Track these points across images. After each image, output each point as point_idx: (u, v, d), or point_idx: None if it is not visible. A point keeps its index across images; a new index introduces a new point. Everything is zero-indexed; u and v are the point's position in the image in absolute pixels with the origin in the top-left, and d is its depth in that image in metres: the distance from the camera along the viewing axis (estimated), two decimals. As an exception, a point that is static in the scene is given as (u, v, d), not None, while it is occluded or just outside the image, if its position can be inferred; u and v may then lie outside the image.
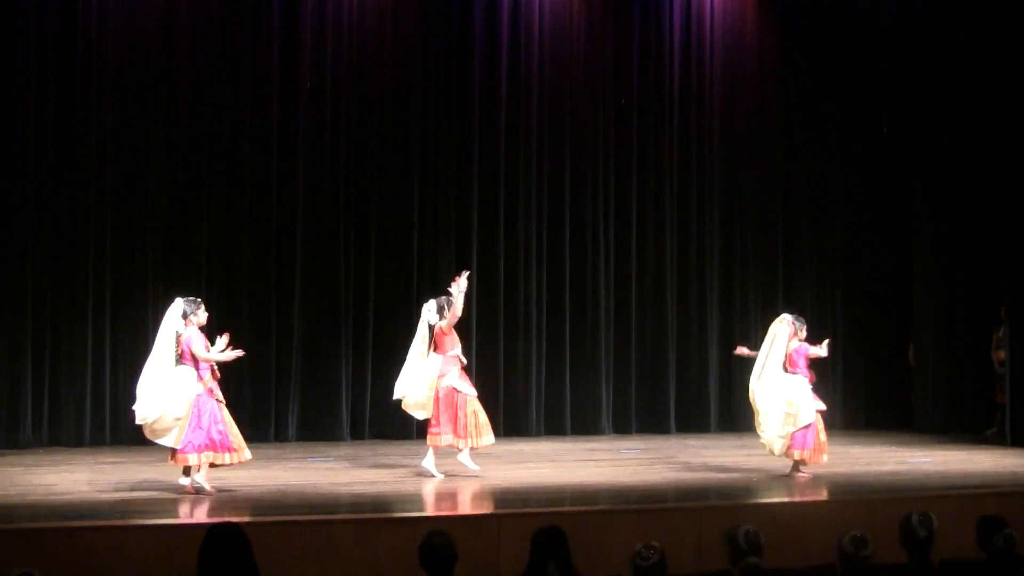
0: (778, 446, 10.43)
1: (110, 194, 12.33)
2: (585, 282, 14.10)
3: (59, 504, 8.55)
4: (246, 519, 7.88)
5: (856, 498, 9.48)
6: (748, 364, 14.49)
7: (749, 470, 10.83)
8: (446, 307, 10.22)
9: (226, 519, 7.08)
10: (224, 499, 8.78)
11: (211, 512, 8.25)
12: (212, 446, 8.90)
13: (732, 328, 14.63)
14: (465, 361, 10.38)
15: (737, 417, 14.47)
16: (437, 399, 10.13)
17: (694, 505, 8.93)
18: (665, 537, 7.70)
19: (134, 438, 12.06)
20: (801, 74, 14.99)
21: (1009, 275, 13.38)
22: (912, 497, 8.84)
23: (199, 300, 9.24)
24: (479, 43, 13.67)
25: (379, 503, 8.95)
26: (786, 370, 10.44)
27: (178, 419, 8.90)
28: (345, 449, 12.30)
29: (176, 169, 12.62)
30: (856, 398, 14.87)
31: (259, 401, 12.78)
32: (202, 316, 9.12)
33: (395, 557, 7.19)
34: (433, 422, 10.16)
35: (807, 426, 10.33)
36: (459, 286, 10.18)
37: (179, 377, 8.96)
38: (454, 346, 10.23)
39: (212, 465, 8.98)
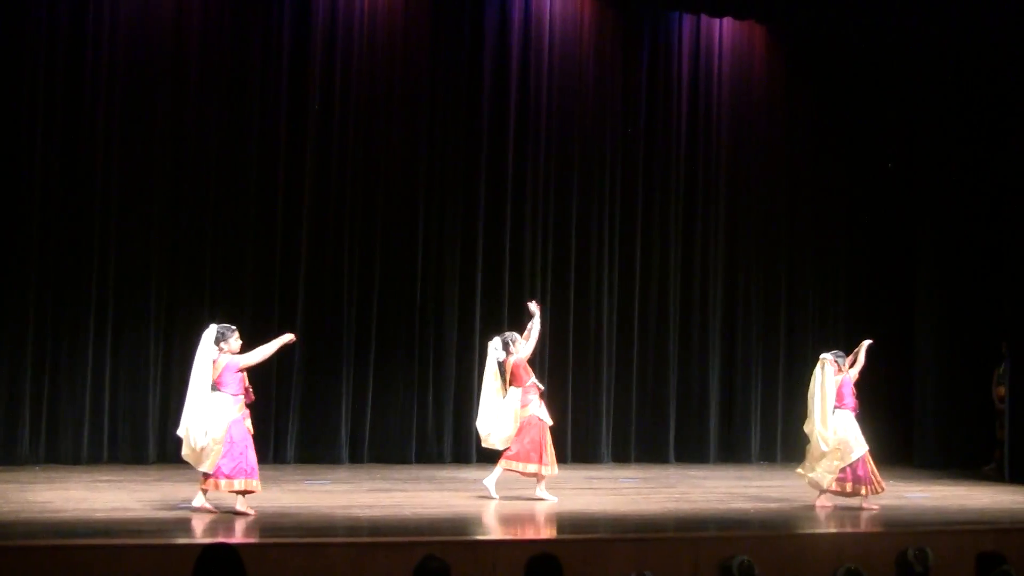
0: (825, 481, 10.43)
1: (114, 211, 12.33)
2: (588, 310, 14.11)
3: (54, 522, 8.52)
4: (241, 541, 7.86)
5: (853, 532, 9.47)
6: (747, 394, 14.58)
7: (747, 500, 10.80)
8: (511, 343, 10.45)
9: (220, 540, 7.07)
10: (220, 520, 8.75)
11: (206, 533, 8.23)
12: (243, 473, 8.93)
13: (734, 360, 14.66)
14: (542, 387, 10.57)
15: (736, 448, 14.50)
16: (522, 427, 10.30)
17: (691, 535, 8.91)
18: (661, 567, 7.71)
19: (131, 456, 12.11)
20: (808, 108, 15.06)
21: (1010, 311, 13.38)
22: (909, 532, 8.83)
23: (233, 328, 9.23)
24: (488, 70, 13.72)
25: (376, 527, 8.93)
26: (836, 407, 10.46)
27: (216, 442, 8.92)
28: (343, 472, 12.28)
29: (180, 188, 12.63)
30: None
31: (258, 422, 12.58)
32: (234, 344, 9.14)
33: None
34: (514, 447, 10.29)
35: (861, 458, 10.35)
36: (536, 314, 10.62)
37: (216, 404, 8.99)
38: (529, 375, 10.44)
39: (243, 492, 8.97)
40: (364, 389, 13.18)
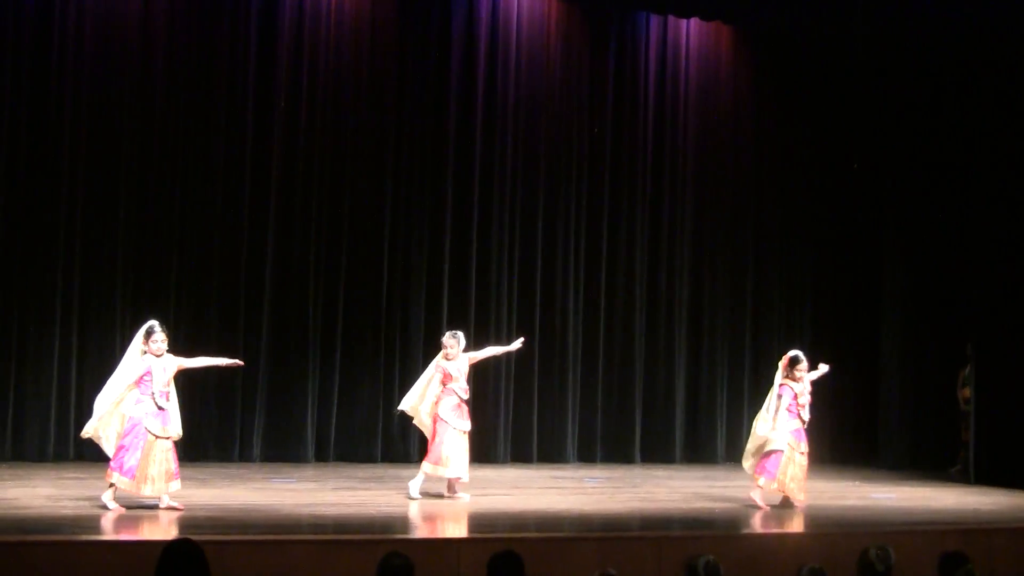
0: (747, 465, 10.47)
1: (80, 209, 12.28)
2: (554, 311, 14.13)
3: (19, 518, 8.48)
4: (206, 537, 7.82)
5: (817, 532, 9.51)
6: (713, 395, 14.65)
7: (712, 500, 10.85)
8: (444, 344, 10.42)
9: (184, 537, 7.04)
10: (184, 517, 8.73)
11: (170, 530, 8.20)
12: (121, 469, 8.88)
13: (700, 360, 14.72)
14: (465, 397, 10.37)
15: (702, 448, 14.55)
16: (434, 428, 10.25)
17: (655, 534, 8.93)
18: (626, 565, 7.73)
19: (97, 455, 11.99)
20: (774, 108, 15.15)
21: (975, 314, 13.49)
22: (873, 532, 8.88)
23: (159, 325, 9.17)
24: (456, 68, 13.73)
25: (340, 525, 8.92)
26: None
27: (117, 431, 8.97)
28: (309, 471, 12.26)
29: (146, 185, 12.58)
30: (821, 433, 14.86)
31: (224, 421, 12.73)
32: (160, 343, 9.08)
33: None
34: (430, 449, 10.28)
35: (774, 453, 10.35)
36: (508, 346, 10.99)
37: (128, 398, 8.99)
38: (453, 380, 10.30)
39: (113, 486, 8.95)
40: (330, 387, 13.16)
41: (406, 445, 13.23)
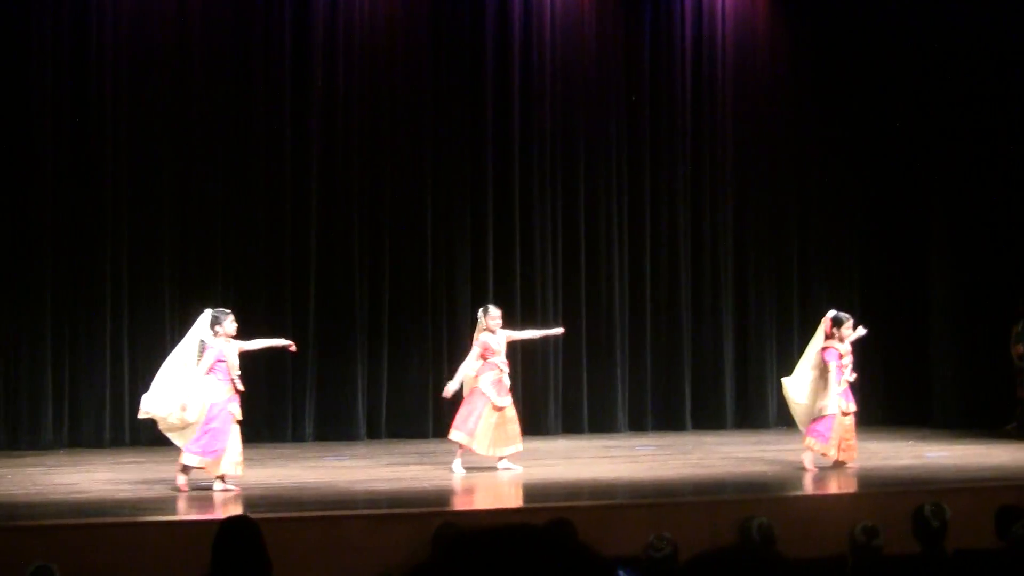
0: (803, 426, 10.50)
1: (126, 199, 12.42)
2: (600, 280, 14.12)
3: (79, 502, 8.65)
4: (262, 515, 7.91)
5: (870, 491, 9.48)
6: (762, 358, 14.57)
7: (765, 464, 10.83)
8: (482, 315, 10.44)
9: (240, 514, 7.12)
10: (240, 497, 8.83)
11: (226, 509, 8.30)
12: (208, 453, 9.00)
13: (747, 324, 14.63)
14: (505, 369, 10.42)
15: (753, 413, 14.49)
16: (465, 399, 10.32)
17: (708, 500, 8.95)
18: (679, 531, 7.73)
19: (152, 439, 12.14)
20: (813, 68, 14.94)
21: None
22: (927, 490, 8.84)
23: (228, 312, 9.32)
24: (491, 42, 13.70)
25: (394, 499, 8.99)
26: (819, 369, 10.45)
27: (194, 423, 9.03)
28: (361, 448, 12.35)
29: (191, 173, 12.69)
30: (874, 393, 14.81)
31: (276, 402, 12.84)
32: (229, 327, 9.20)
33: (408, 551, 7.21)
34: (457, 418, 10.33)
35: (826, 416, 10.31)
36: (548, 330, 10.92)
37: (204, 385, 9.07)
38: (493, 355, 10.33)
39: (202, 468, 9.06)
40: (379, 366, 13.23)
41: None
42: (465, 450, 10.21)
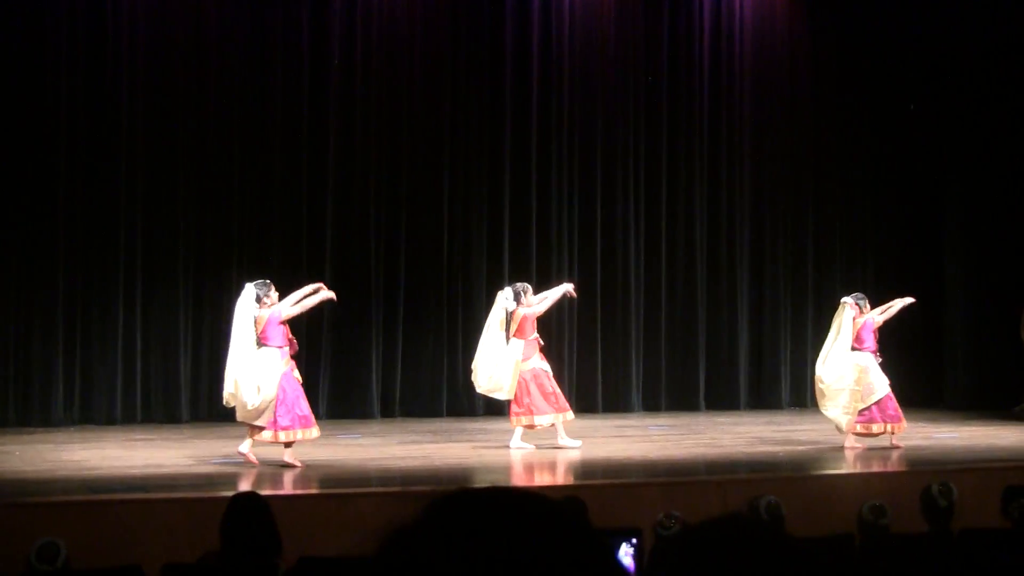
0: (844, 422, 10.44)
1: (141, 177, 12.43)
2: (615, 261, 14.10)
3: (88, 479, 8.65)
4: (272, 492, 7.96)
5: (879, 470, 9.48)
6: (776, 340, 14.55)
7: (777, 445, 10.83)
8: (522, 293, 10.49)
9: (248, 490, 7.16)
10: (252, 473, 8.86)
11: (237, 486, 8.33)
12: (298, 423, 9.08)
13: (762, 306, 14.61)
14: (543, 343, 10.64)
15: (766, 394, 14.48)
16: (525, 382, 10.31)
17: (720, 478, 8.95)
18: (691, 509, 7.74)
19: (164, 416, 12.24)
20: (831, 50, 14.88)
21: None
22: (936, 470, 8.82)
23: (268, 282, 9.36)
24: (510, 20, 13.67)
25: (408, 478, 9.01)
26: (854, 348, 10.45)
27: (269, 399, 9.06)
28: (375, 427, 12.37)
29: (207, 151, 12.69)
30: (888, 374, 14.74)
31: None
32: (274, 296, 9.26)
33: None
34: (518, 405, 10.34)
35: (882, 399, 10.35)
36: (565, 289, 10.80)
37: (264, 359, 9.12)
38: (534, 331, 10.44)
39: (289, 444, 9.11)
40: (394, 344, 13.25)
41: (471, 400, 13.30)
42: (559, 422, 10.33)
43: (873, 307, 10.77)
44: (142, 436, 11.14)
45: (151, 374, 12.33)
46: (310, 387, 12.90)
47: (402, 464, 9.63)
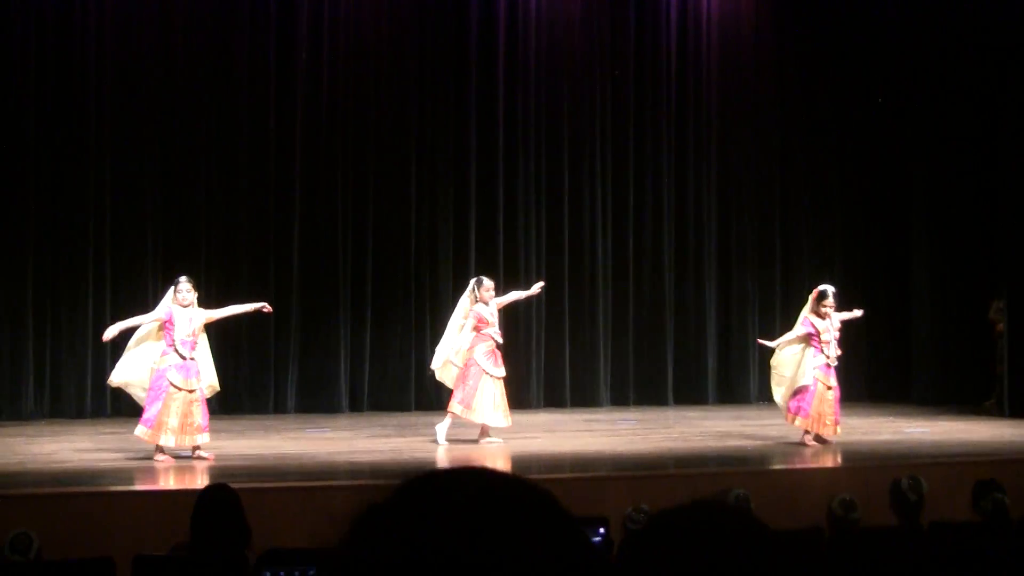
0: (777, 396, 10.52)
1: (109, 170, 12.40)
2: (583, 256, 14.12)
3: (58, 471, 8.65)
4: (242, 485, 7.91)
5: (849, 465, 9.53)
6: (744, 335, 14.59)
7: (745, 439, 10.87)
8: (475, 288, 10.41)
9: (219, 483, 7.13)
10: (220, 467, 8.85)
11: (206, 479, 8.30)
12: (146, 421, 9.00)
13: (729, 300, 14.67)
14: (499, 341, 10.46)
15: (735, 388, 14.54)
16: (463, 373, 10.26)
17: (688, 472, 8.98)
18: (659, 503, 7.77)
19: (134, 410, 12.15)
20: (797, 44, 14.92)
21: (1006, 246, 13.37)
22: (905, 464, 8.88)
23: (184, 278, 9.35)
24: (475, 14, 13.67)
25: (376, 470, 9.00)
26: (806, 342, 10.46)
27: (145, 389, 9.09)
28: (343, 420, 12.36)
29: (174, 146, 12.67)
30: (855, 369, 14.86)
31: (258, 373, 12.84)
32: (180, 294, 9.15)
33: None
34: (457, 394, 10.31)
35: (803, 390, 10.30)
36: (529, 290, 10.87)
37: (155, 350, 9.12)
38: (487, 326, 10.35)
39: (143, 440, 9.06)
40: (362, 337, 13.23)
41: (438, 393, 13.28)
42: (455, 419, 10.23)
43: (840, 306, 10.72)
44: (111, 429, 11.07)
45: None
46: (279, 381, 12.92)
47: (370, 458, 9.62)
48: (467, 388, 10.24)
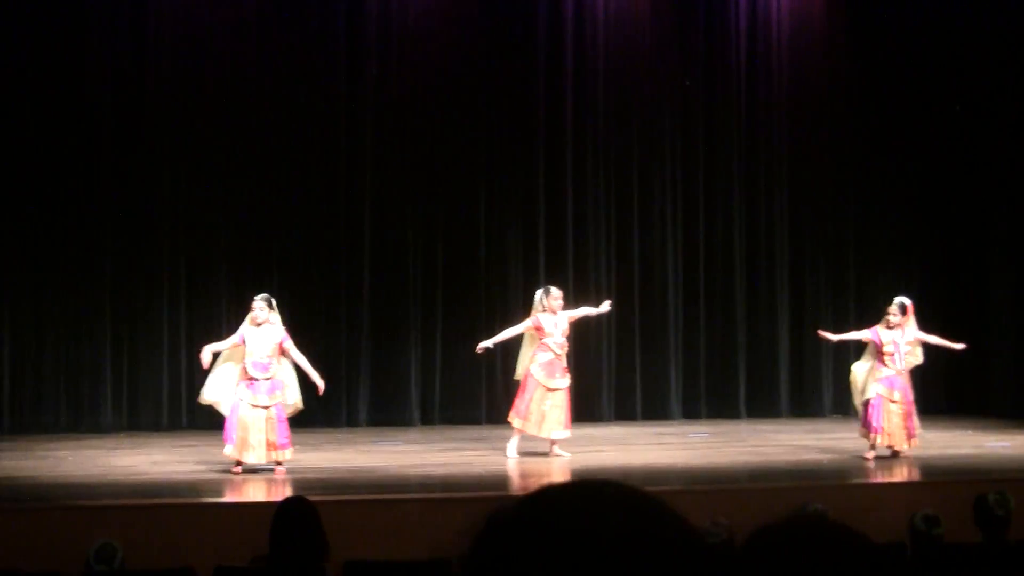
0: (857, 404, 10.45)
1: (183, 185, 12.55)
2: (654, 267, 14.03)
3: (138, 483, 8.76)
4: (316, 498, 7.95)
5: (929, 480, 9.38)
6: (818, 346, 14.38)
7: (821, 452, 10.74)
8: (541, 298, 10.41)
9: (297, 495, 7.17)
10: (296, 480, 8.90)
11: (282, 492, 8.36)
12: (224, 435, 9.14)
13: (803, 311, 14.42)
14: (560, 352, 10.39)
15: (808, 401, 14.33)
16: (524, 383, 10.28)
17: (763, 486, 8.89)
18: (734, 517, 7.68)
19: (209, 423, 12.27)
20: (872, 51, 14.64)
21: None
22: (989, 479, 8.72)
23: (259, 296, 9.43)
24: (543, 23, 13.63)
25: (448, 483, 9.01)
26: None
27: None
28: (415, 433, 12.38)
29: (247, 160, 12.77)
30: (934, 382, 14.59)
31: (330, 387, 12.84)
32: (254, 314, 9.24)
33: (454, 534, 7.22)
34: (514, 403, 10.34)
35: (869, 403, 10.19)
36: (599, 308, 10.78)
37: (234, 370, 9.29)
38: (547, 336, 10.31)
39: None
40: (432, 352, 13.25)
41: (510, 406, 13.26)
42: (520, 433, 10.21)
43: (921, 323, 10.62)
44: (188, 442, 11.18)
45: (195, 381, 12.36)
46: (351, 394, 12.96)
47: (442, 471, 9.64)
48: (524, 399, 10.23)
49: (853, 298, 14.59)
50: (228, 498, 8.08)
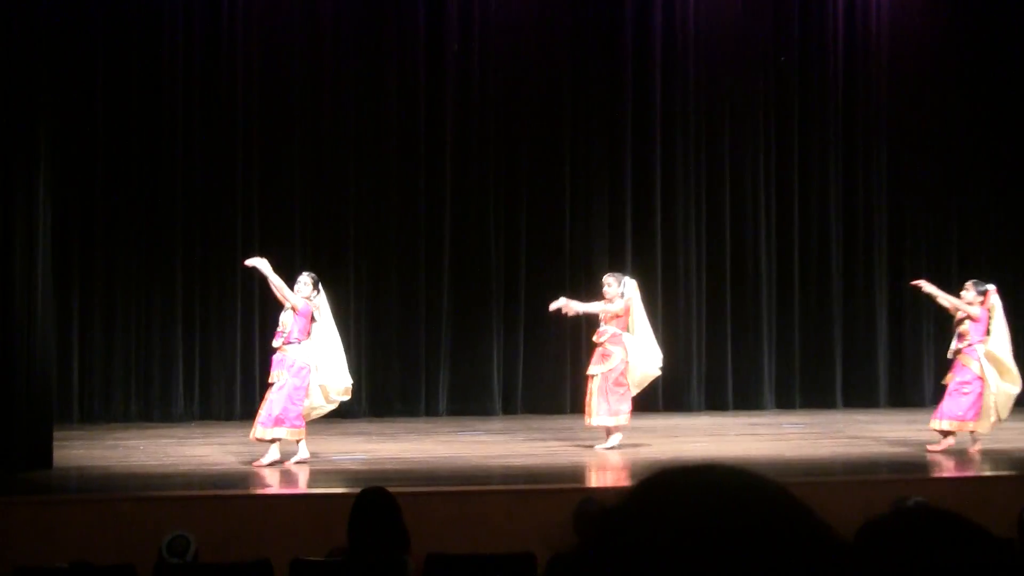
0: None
1: (257, 171, 12.42)
2: (746, 253, 13.62)
3: (212, 474, 8.64)
4: (396, 489, 7.74)
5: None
6: (918, 334, 13.88)
7: (921, 444, 10.29)
8: (610, 284, 10.23)
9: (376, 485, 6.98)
10: (374, 471, 8.76)
11: (360, 482, 8.15)
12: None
13: (902, 299, 13.85)
14: (596, 340, 10.22)
15: (907, 392, 13.82)
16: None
17: (861, 479, 8.55)
18: (829, 510, 7.34)
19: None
20: (975, 28, 14.08)
21: None
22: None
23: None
24: (630, 3, 13.30)
25: (532, 475, 8.77)
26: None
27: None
28: (497, 423, 12.14)
29: (323, 144, 12.63)
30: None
31: (409, 376, 12.70)
32: (301, 289, 9.23)
33: (547, 527, 6.97)
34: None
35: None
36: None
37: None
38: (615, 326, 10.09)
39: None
40: (515, 339, 13.00)
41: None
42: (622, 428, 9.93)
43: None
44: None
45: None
46: (430, 383, 12.74)
47: (525, 462, 9.44)
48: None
49: (955, 284, 13.99)
50: (304, 489, 7.91)
